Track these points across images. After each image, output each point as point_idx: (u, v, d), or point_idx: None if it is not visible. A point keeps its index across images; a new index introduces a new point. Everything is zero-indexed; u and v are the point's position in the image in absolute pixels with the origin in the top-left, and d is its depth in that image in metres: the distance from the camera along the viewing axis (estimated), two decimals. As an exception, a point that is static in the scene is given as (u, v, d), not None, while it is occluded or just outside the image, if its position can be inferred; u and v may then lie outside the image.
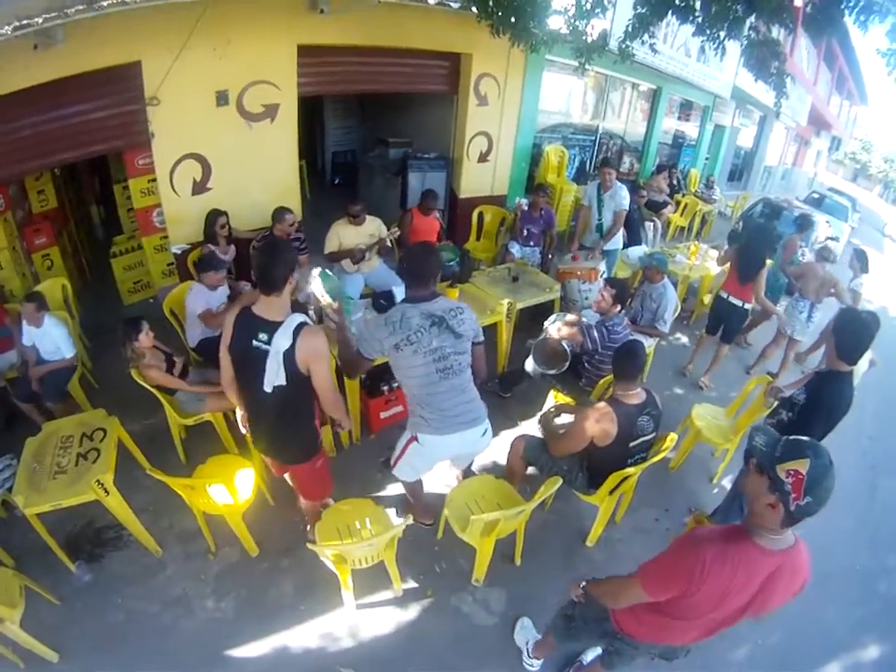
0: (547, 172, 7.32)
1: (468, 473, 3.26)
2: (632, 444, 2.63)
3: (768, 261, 4.64)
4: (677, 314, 4.39)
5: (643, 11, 3.62)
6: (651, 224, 7.21)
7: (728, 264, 4.71)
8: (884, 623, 3.07)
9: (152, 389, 3.05)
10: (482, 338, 2.47)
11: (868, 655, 2.90)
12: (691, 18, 3.53)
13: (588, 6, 3.62)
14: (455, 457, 2.78)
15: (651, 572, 1.59)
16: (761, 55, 3.48)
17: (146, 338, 2.99)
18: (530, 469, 3.05)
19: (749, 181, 15.34)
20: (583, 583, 1.91)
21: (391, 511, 2.85)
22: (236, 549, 2.86)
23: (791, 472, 1.32)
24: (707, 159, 12.14)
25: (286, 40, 4.38)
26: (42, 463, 2.62)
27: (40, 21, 2.86)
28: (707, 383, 4.95)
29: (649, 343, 4.26)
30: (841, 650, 2.90)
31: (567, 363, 3.52)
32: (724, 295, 4.65)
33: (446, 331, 2.26)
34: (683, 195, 9.23)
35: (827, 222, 9.27)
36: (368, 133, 8.88)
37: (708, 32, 3.57)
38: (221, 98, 4.22)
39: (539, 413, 3.85)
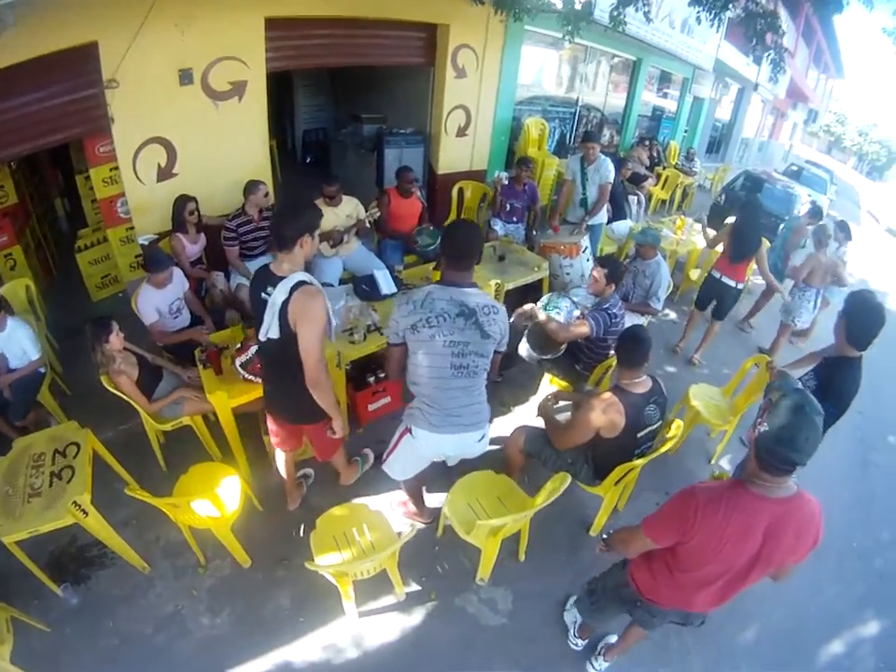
0: (528, 145, 7.18)
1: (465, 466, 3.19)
2: (639, 435, 2.58)
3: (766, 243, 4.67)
4: (669, 290, 4.36)
5: None
6: (635, 198, 7.16)
7: (721, 245, 4.69)
8: (882, 598, 3.13)
9: (125, 397, 2.88)
10: (505, 347, 2.28)
11: (868, 631, 2.95)
12: None
13: None
14: (446, 457, 2.65)
15: (651, 518, 1.72)
16: (758, 28, 3.36)
17: (116, 339, 2.81)
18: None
19: (727, 153, 15.46)
20: (604, 535, 2.10)
21: (387, 511, 2.76)
22: (227, 561, 2.73)
23: (769, 400, 1.48)
24: (685, 131, 12.14)
25: (252, 13, 4.13)
26: (15, 485, 2.45)
27: (-13, 2, 2.62)
28: (698, 359, 4.99)
29: (641, 322, 4.24)
30: (843, 626, 2.95)
31: (564, 347, 3.43)
32: (717, 275, 4.66)
33: (473, 327, 2.09)
34: (664, 168, 9.19)
35: (809, 195, 9.40)
36: (340, 109, 8.63)
37: (706, 2, 3.45)
38: (185, 77, 3.97)
39: (537, 402, 3.80)
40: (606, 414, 2.47)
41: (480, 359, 2.17)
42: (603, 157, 4.97)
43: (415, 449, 2.36)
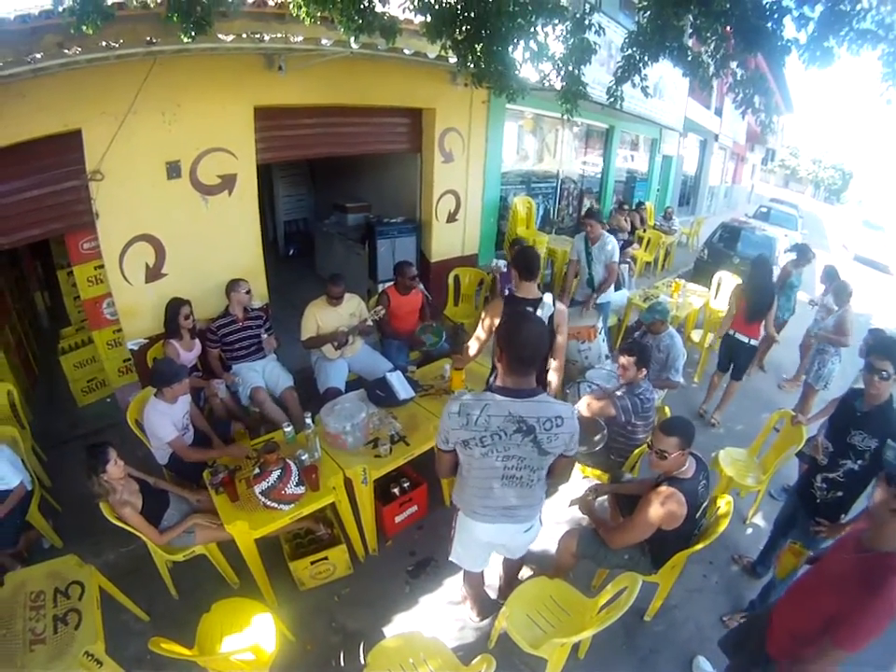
0: (516, 224, 7.37)
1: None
2: (697, 516, 2.61)
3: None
4: (684, 360, 4.47)
5: (632, 52, 3.65)
6: (626, 266, 7.39)
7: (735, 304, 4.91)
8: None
9: (128, 528, 2.71)
10: (574, 451, 2.19)
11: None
12: (683, 59, 3.64)
13: (579, 51, 3.58)
14: (498, 547, 2.59)
15: (851, 640, 1.69)
16: (748, 91, 3.61)
17: (115, 468, 2.66)
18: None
19: (697, 204, 16.38)
20: None
21: (441, 634, 2.61)
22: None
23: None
24: (658, 190, 12.88)
25: (241, 102, 4.23)
26: (11, 629, 2.28)
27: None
28: (718, 420, 5.12)
29: (659, 395, 4.30)
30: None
31: (605, 436, 3.40)
32: (732, 332, 4.88)
33: (531, 444, 2.01)
34: (644, 230, 9.63)
35: (786, 235, 10.11)
36: (320, 199, 8.73)
37: (699, 71, 3.71)
38: (173, 170, 3.99)
39: (567, 493, 3.75)
40: (666, 507, 2.47)
41: (534, 473, 2.13)
42: (607, 235, 5.16)
43: (464, 532, 2.40)
